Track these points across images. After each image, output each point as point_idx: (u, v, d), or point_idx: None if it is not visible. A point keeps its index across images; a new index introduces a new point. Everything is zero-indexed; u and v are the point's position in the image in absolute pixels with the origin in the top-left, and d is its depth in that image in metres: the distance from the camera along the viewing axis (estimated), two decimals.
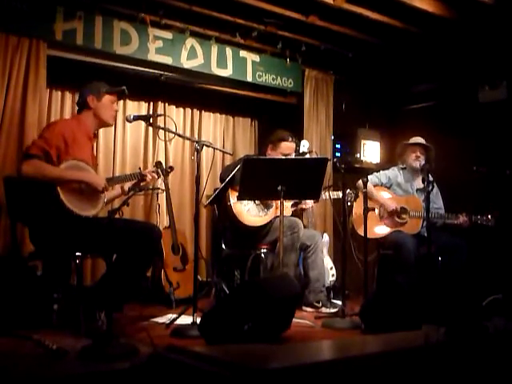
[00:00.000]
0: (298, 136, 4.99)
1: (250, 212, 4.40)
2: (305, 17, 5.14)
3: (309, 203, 4.67)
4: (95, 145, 5.07)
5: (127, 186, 3.75)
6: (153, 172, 3.82)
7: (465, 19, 5.10)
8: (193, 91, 5.54)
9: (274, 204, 4.47)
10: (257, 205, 4.44)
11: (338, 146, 6.19)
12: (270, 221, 4.47)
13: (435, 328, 2.40)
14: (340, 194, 4.32)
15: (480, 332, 2.45)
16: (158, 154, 5.51)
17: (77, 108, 3.71)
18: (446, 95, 6.03)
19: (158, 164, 4.01)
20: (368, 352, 2.21)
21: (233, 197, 4.28)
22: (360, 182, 4.29)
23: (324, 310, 4.43)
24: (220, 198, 4.43)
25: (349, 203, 4.34)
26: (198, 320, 3.06)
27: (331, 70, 6.08)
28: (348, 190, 4.30)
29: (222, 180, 4.43)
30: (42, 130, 3.49)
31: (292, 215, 4.62)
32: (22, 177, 3.23)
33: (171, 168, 4.09)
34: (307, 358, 2.05)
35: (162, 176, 3.99)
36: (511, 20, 5.00)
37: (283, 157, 4.47)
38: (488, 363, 2.27)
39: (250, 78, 5.52)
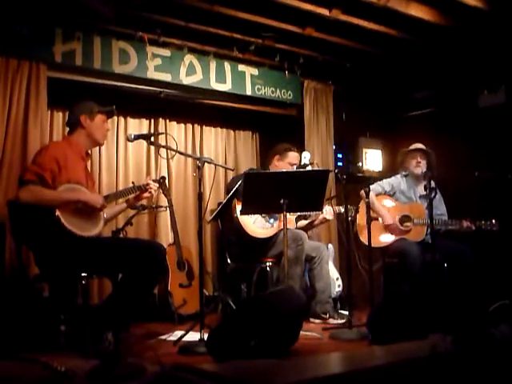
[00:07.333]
0: (300, 147, 5.02)
1: (256, 224, 4.39)
2: (301, 29, 5.18)
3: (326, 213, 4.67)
4: (96, 164, 5.15)
5: (132, 197, 3.80)
6: (153, 181, 3.86)
7: (461, 26, 5.12)
8: (193, 107, 5.57)
9: (279, 216, 4.48)
10: (263, 216, 4.45)
11: (339, 155, 6.20)
12: (275, 234, 4.47)
13: (442, 337, 2.39)
14: (342, 208, 4.35)
15: (487, 340, 2.44)
16: (161, 171, 5.50)
17: (67, 129, 3.74)
18: (446, 101, 6.06)
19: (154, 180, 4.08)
20: (375, 364, 2.19)
21: (239, 208, 4.29)
22: (362, 191, 4.29)
23: (331, 321, 4.42)
24: (224, 212, 4.44)
25: (350, 218, 4.33)
26: (206, 336, 3.06)
27: (330, 80, 6.10)
28: (348, 207, 4.30)
29: (228, 191, 4.45)
30: (35, 156, 3.48)
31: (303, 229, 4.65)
32: (21, 204, 3.23)
33: (163, 178, 4.25)
34: (315, 373, 2.04)
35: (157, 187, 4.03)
36: (507, 25, 5.03)
37: (285, 169, 4.49)
38: (495, 371, 2.26)
39: (249, 92, 5.54)
